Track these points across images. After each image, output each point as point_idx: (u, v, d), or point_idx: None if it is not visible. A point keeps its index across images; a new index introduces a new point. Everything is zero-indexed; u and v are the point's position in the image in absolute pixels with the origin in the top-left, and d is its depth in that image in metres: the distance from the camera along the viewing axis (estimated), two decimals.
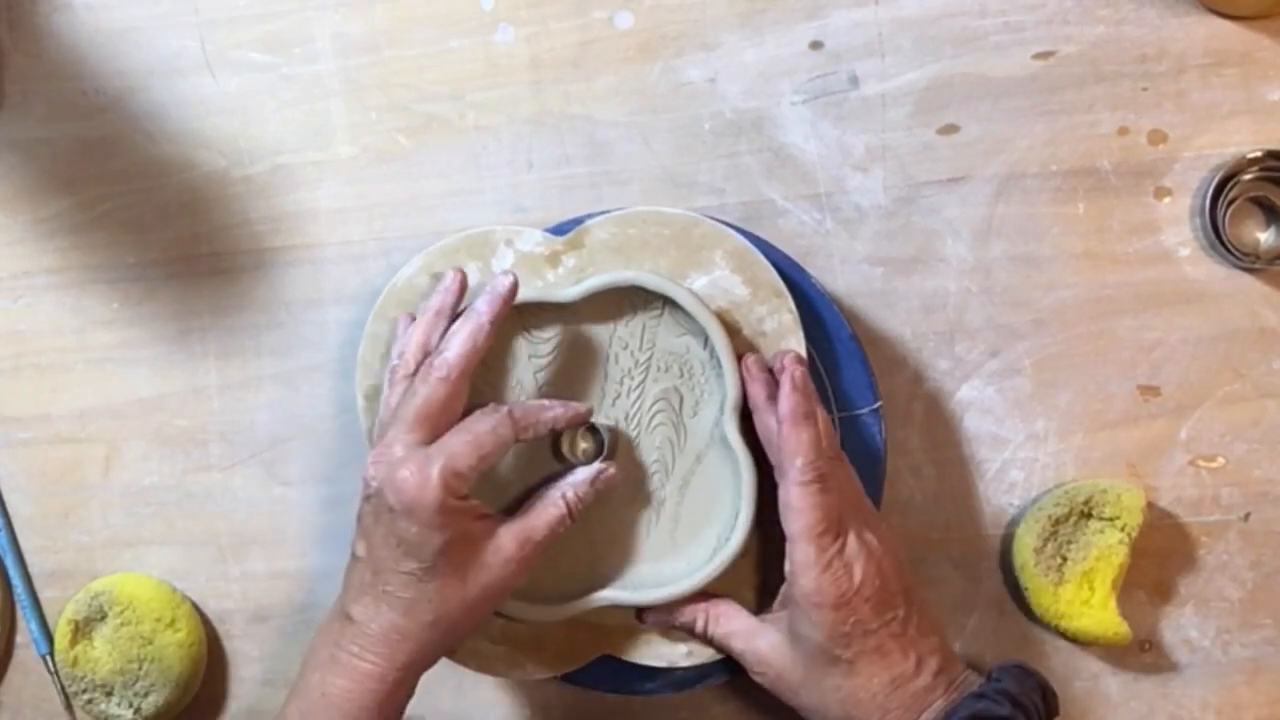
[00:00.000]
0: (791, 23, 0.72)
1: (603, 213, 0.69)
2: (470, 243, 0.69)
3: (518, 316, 0.69)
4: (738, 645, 0.66)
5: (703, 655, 0.68)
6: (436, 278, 0.69)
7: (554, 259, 0.68)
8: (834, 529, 0.62)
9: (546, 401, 0.66)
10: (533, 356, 0.70)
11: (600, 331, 0.69)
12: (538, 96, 0.73)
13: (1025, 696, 0.61)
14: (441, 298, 0.66)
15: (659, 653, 0.69)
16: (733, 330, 0.67)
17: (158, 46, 0.75)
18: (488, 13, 0.73)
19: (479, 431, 0.62)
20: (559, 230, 0.69)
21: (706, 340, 0.67)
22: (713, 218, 0.69)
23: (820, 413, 0.64)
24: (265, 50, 0.74)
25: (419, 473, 0.60)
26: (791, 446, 0.63)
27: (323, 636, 0.63)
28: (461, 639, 0.64)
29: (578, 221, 0.69)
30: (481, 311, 0.64)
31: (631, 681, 0.70)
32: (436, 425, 0.62)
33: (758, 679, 0.66)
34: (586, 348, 0.69)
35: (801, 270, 0.69)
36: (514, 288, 0.65)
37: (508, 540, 0.63)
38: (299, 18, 0.74)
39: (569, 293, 0.67)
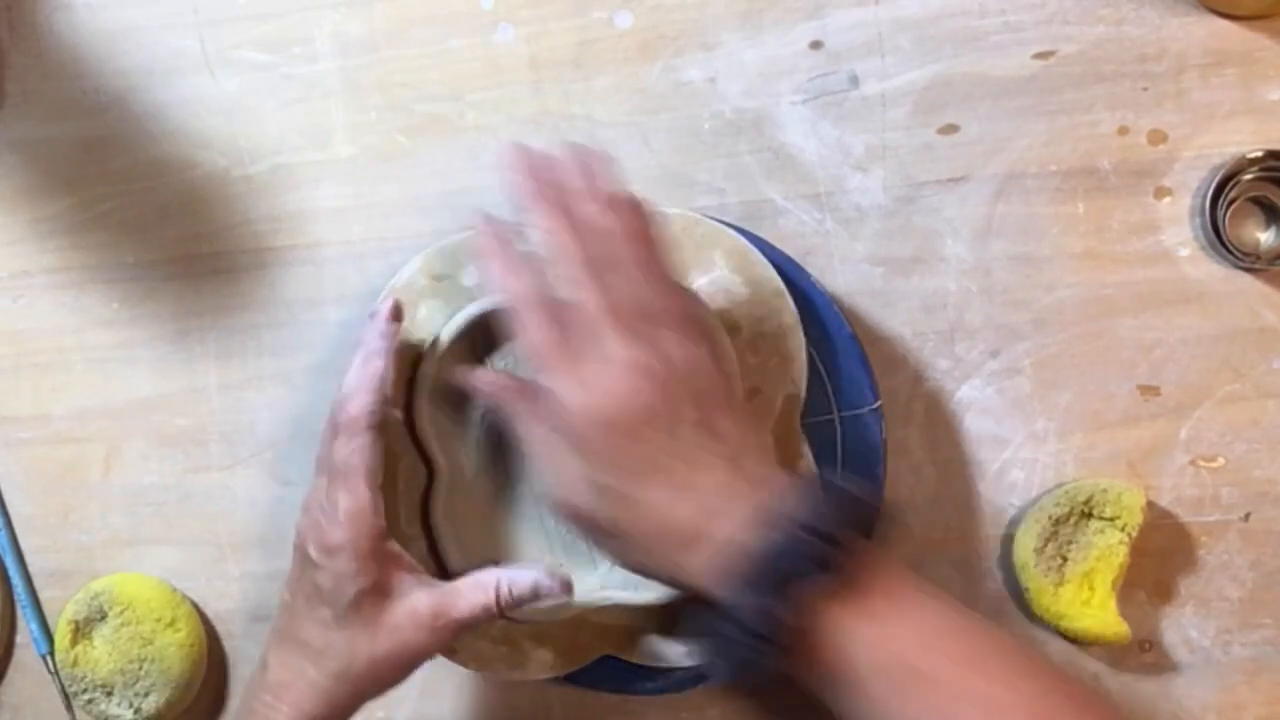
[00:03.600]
0: (791, 23, 0.72)
1: None
2: (470, 243, 0.69)
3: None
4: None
5: None
6: (436, 279, 0.69)
7: None
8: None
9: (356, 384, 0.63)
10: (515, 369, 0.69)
11: None
12: (538, 96, 0.73)
13: (838, 514, 0.53)
14: (371, 339, 0.64)
15: (659, 653, 0.69)
16: (733, 330, 0.67)
17: (158, 46, 0.75)
18: (488, 13, 0.73)
19: (341, 463, 0.61)
20: None
21: None
22: (712, 217, 0.69)
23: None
24: (265, 50, 0.74)
25: (331, 518, 0.60)
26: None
27: (247, 685, 0.64)
28: (370, 698, 0.62)
29: None
30: (372, 351, 0.63)
31: (631, 681, 0.70)
32: (351, 478, 0.61)
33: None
34: None
35: (801, 270, 0.69)
36: (394, 311, 0.64)
37: (423, 605, 0.60)
38: (299, 18, 0.74)
39: None
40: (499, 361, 0.70)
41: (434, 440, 0.67)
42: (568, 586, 0.62)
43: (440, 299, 0.69)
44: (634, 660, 0.69)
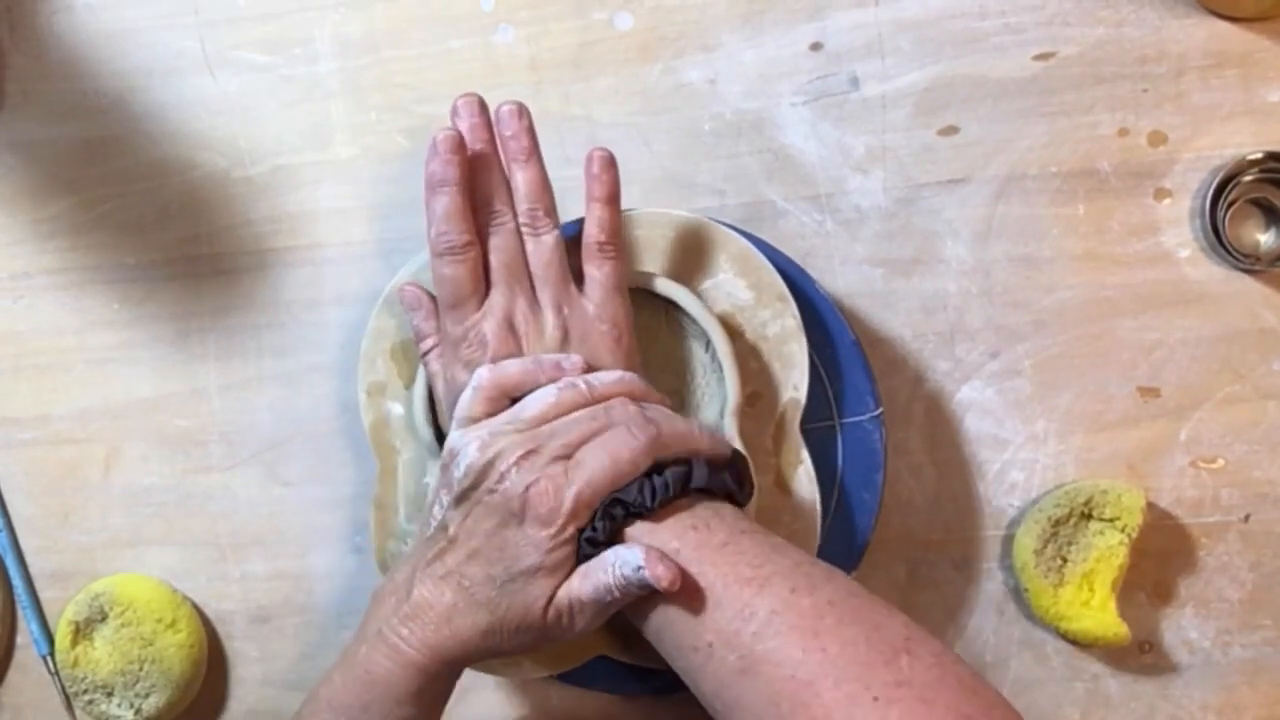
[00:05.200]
0: (791, 24, 0.72)
1: None
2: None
3: None
4: None
5: None
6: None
7: None
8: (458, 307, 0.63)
9: (694, 425, 0.61)
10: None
11: None
12: (538, 97, 0.73)
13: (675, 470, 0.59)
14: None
15: (656, 654, 0.69)
16: (735, 334, 0.67)
17: (158, 47, 0.75)
18: (488, 13, 0.73)
19: (620, 459, 0.59)
20: (567, 230, 0.69)
21: (708, 344, 0.67)
22: (713, 219, 0.69)
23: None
24: (265, 51, 0.74)
25: (555, 492, 0.58)
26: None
27: (378, 605, 0.62)
28: (497, 657, 0.62)
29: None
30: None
31: (628, 682, 0.70)
32: (607, 458, 0.59)
33: None
34: None
35: (805, 274, 0.69)
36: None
37: (564, 596, 0.59)
38: (299, 18, 0.74)
39: None
40: None
41: (435, 439, 0.67)
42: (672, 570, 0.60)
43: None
44: (628, 661, 0.69)
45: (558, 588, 0.59)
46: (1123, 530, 0.68)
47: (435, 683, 0.61)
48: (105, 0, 0.75)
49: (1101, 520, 0.69)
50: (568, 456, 0.59)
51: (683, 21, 0.72)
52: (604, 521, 0.58)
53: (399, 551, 0.69)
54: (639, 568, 0.57)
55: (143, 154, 0.75)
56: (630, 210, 0.69)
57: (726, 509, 0.60)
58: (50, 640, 0.75)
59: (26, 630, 0.76)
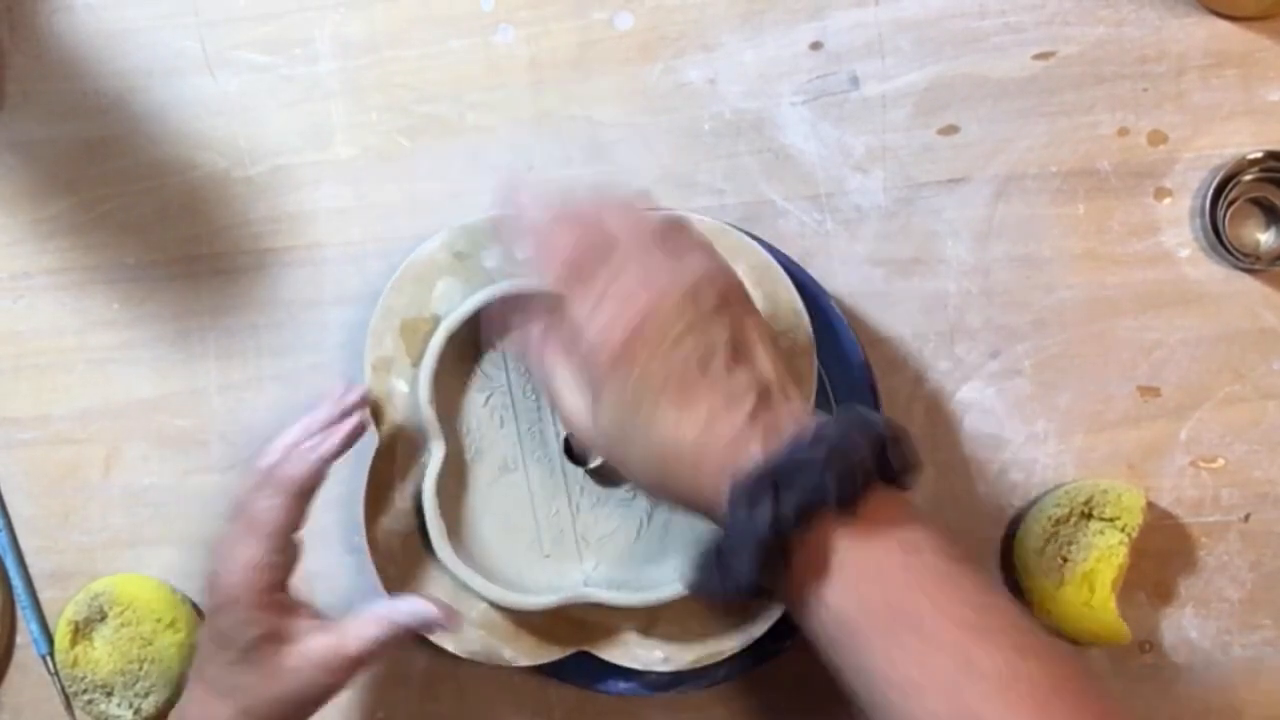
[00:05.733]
0: (791, 23, 0.72)
1: None
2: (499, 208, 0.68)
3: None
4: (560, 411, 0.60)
5: (680, 662, 0.68)
6: (458, 256, 0.68)
7: None
8: (577, 271, 0.55)
9: (308, 448, 0.64)
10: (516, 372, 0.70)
11: None
12: (538, 97, 0.73)
13: (850, 441, 0.52)
14: (327, 411, 0.65)
15: (635, 655, 0.69)
16: None
17: (158, 47, 0.75)
18: (488, 13, 0.73)
19: (254, 515, 0.62)
20: None
21: None
22: (713, 219, 0.69)
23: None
24: (265, 51, 0.74)
25: (229, 568, 0.62)
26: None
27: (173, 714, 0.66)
28: None
29: None
30: (336, 426, 0.64)
31: (603, 679, 0.71)
32: (257, 531, 0.62)
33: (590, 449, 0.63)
34: None
35: (821, 289, 0.69)
36: (361, 401, 0.66)
37: (318, 648, 0.62)
38: (299, 18, 0.74)
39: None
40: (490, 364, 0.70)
41: (436, 419, 0.67)
42: (453, 617, 0.64)
43: (459, 277, 0.68)
44: (608, 659, 0.69)
45: (307, 641, 0.62)
46: (1123, 530, 0.68)
47: None
48: (105, 0, 0.75)
49: (1102, 520, 0.69)
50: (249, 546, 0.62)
51: (683, 21, 0.73)
52: (776, 511, 0.50)
53: (393, 529, 0.69)
54: (414, 614, 0.63)
55: (143, 154, 0.75)
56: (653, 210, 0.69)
57: (918, 516, 0.52)
58: (50, 640, 0.75)
59: (26, 630, 0.76)
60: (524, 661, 0.69)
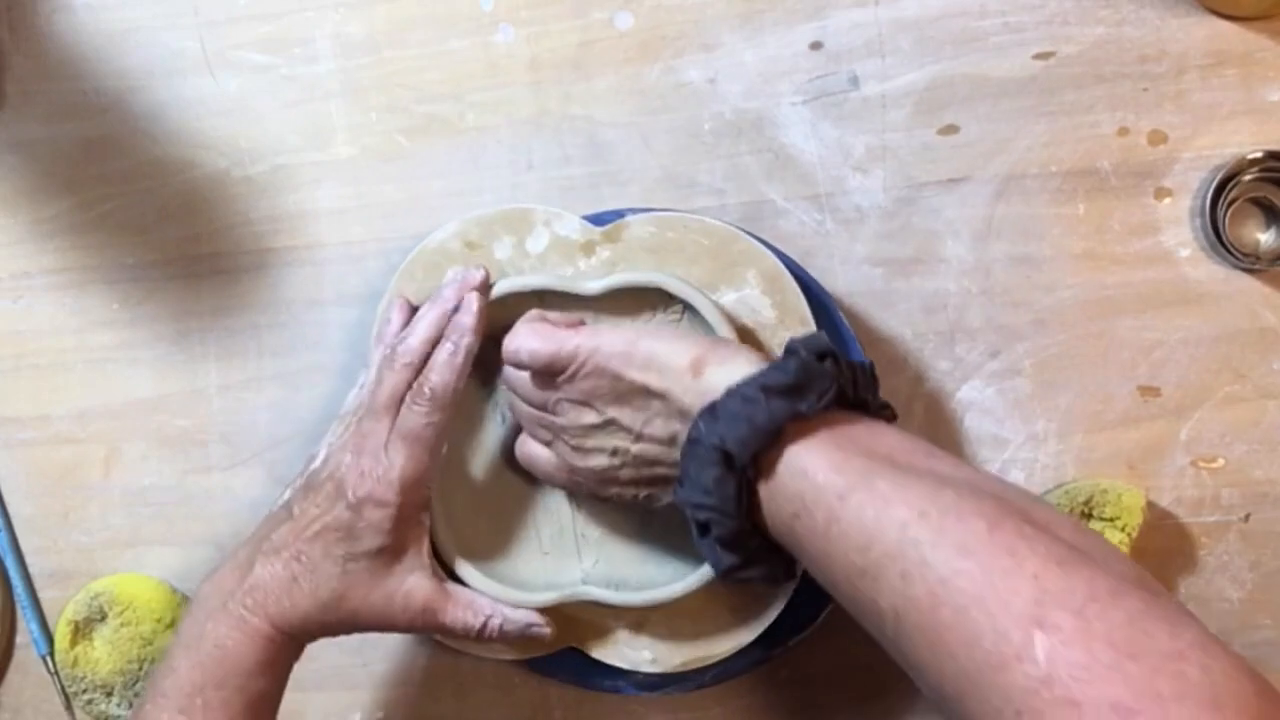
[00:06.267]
0: (791, 23, 0.72)
1: (645, 210, 0.69)
2: (508, 217, 0.69)
3: (539, 303, 0.68)
4: None
5: (667, 664, 0.68)
6: (470, 245, 0.69)
7: (589, 248, 0.68)
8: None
9: (450, 352, 0.65)
10: None
11: (624, 324, 0.69)
12: (538, 97, 0.73)
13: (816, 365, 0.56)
14: (456, 291, 0.67)
15: (624, 655, 0.69)
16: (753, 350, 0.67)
17: (158, 47, 0.75)
18: (488, 13, 0.73)
19: (413, 429, 0.63)
20: (599, 221, 0.69)
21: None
22: (713, 219, 0.69)
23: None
24: (265, 50, 0.74)
25: (386, 474, 0.62)
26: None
27: (217, 581, 0.64)
28: (331, 635, 0.65)
29: (618, 214, 0.69)
30: (463, 335, 0.65)
31: (591, 677, 0.71)
32: (418, 445, 0.63)
33: None
34: None
35: (829, 297, 0.69)
36: (484, 284, 0.67)
37: (419, 593, 0.64)
38: (299, 18, 0.74)
39: (592, 286, 0.67)
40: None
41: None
42: (553, 632, 0.67)
43: (470, 266, 0.68)
44: (597, 657, 0.69)
45: (417, 579, 0.64)
46: (1123, 530, 0.68)
47: (282, 654, 0.63)
48: (105, 0, 0.75)
49: (1102, 520, 0.69)
50: (392, 439, 0.63)
51: (683, 21, 0.72)
52: (729, 554, 0.57)
53: None
54: (530, 625, 0.66)
55: (142, 154, 0.75)
56: (667, 211, 0.69)
57: (808, 453, 0.54)
58: (50, 640, 0.75)
59: (26, 630, 0.76)
60: (515, 655, 0.69)
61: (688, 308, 0.67)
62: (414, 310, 0.68)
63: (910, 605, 0.47)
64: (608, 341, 0.61)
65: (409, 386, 0.64)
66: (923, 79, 0.72)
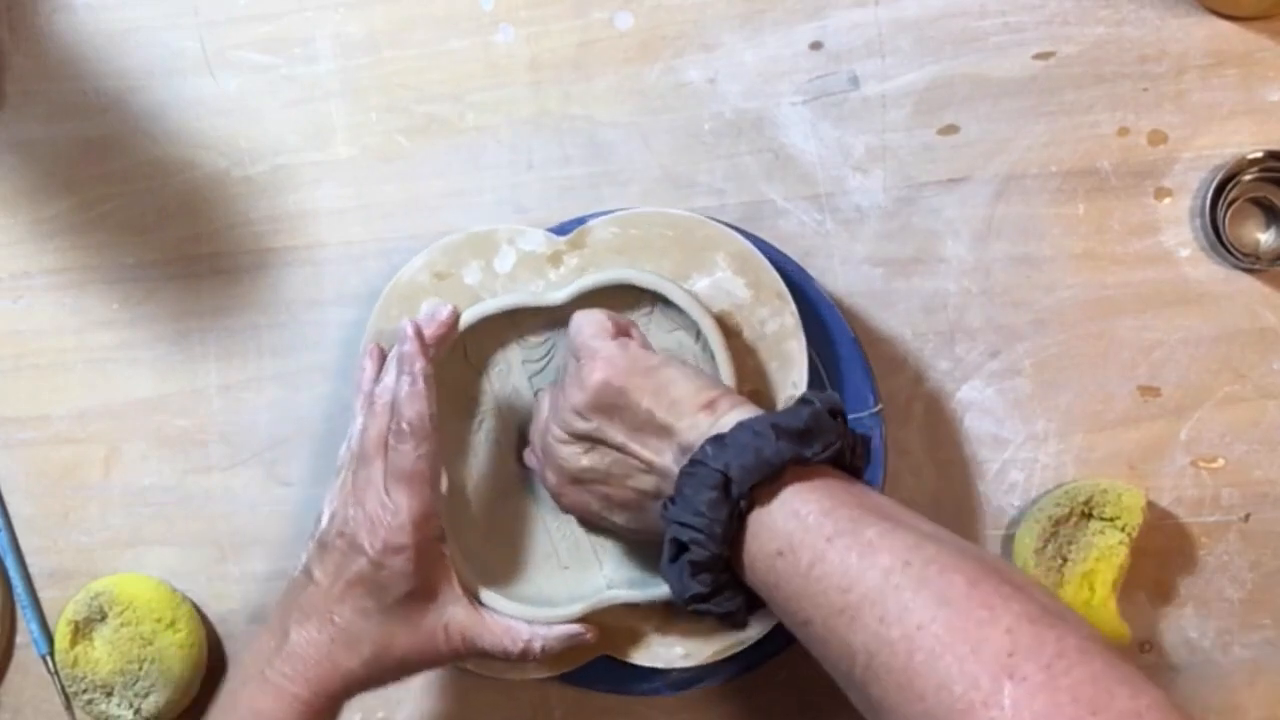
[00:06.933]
0: (791, 23, 0.72)
1: (606, 213, 0.69)
2: (473, 241, 0.69)
3: (510, 323, 0.69)
4: None
5: (699, 656, 0.68)
6: (439, 276, 0.69)
7: (556, 258, 0.68)
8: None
9: (416, 387, 0.65)
10: (526, 361, 0.70)
11: None
12: (538, 97, 0.73)
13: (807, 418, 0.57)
14: (412, 352, 0.66)
15: (656, 654, 0.69)
16: (734, 332, 0.67)
17: (158, 47, 0.75)
18: (488, 13, 0.73)
19: (407, 467, 0.63)
20: (562, 230, 0.69)
21: (699, 334, 0.67)
22: (712, 218, 0.69)
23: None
24: (265, 50, 0.74)
25: (395, 518, 0.62)
26: None
27: (255, 650, 0.64)
28: (377, 687, 0.65)
29: (581, 221, 0.69)
30: (413, 363, 0.64)
31: (628, 682, 0.70)
32: (417, 481, 0.63)
33: None
34: None
35: (804, 273, 0.69)
36: (452, 317, 0.67)
37: (457, 624, 0.64)
38: (299, 18, 0.74)
39: (558, 296, 0.67)
40: (501, 364, 0.70)
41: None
42: (596, 633, 0.67)
43: (442, 297, 0.69)
44: (631, 661, 0.69)
45: (453, 611, 0.64)
46: (1123, 530, 0.68)
47: (319, 717, 0.63)
48: (105, 0, 0.75)
49: (1102, 520, 0.69)
50: (388, 482, 0.63)
51: (683, 21, 0.72)
52: (698, 580, 0.57)
53: None
54: (572, 635, 0.66)
55: (142, 154, 0.75)
56: (627, 210, 0.69)
57: (804, 496, 0.55)
58: (50, 640, 0.75)
59: (26, 630, 0.76)
60: (546, 673, 0.69)
61: (658, 301, 0.67)
62: (385, 355, 0.68)
63: (885, 647, 0.49)
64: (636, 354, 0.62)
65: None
66: (923, 79, 0.72)
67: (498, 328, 0.69)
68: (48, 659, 0.75)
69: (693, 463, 0.56)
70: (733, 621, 0.59)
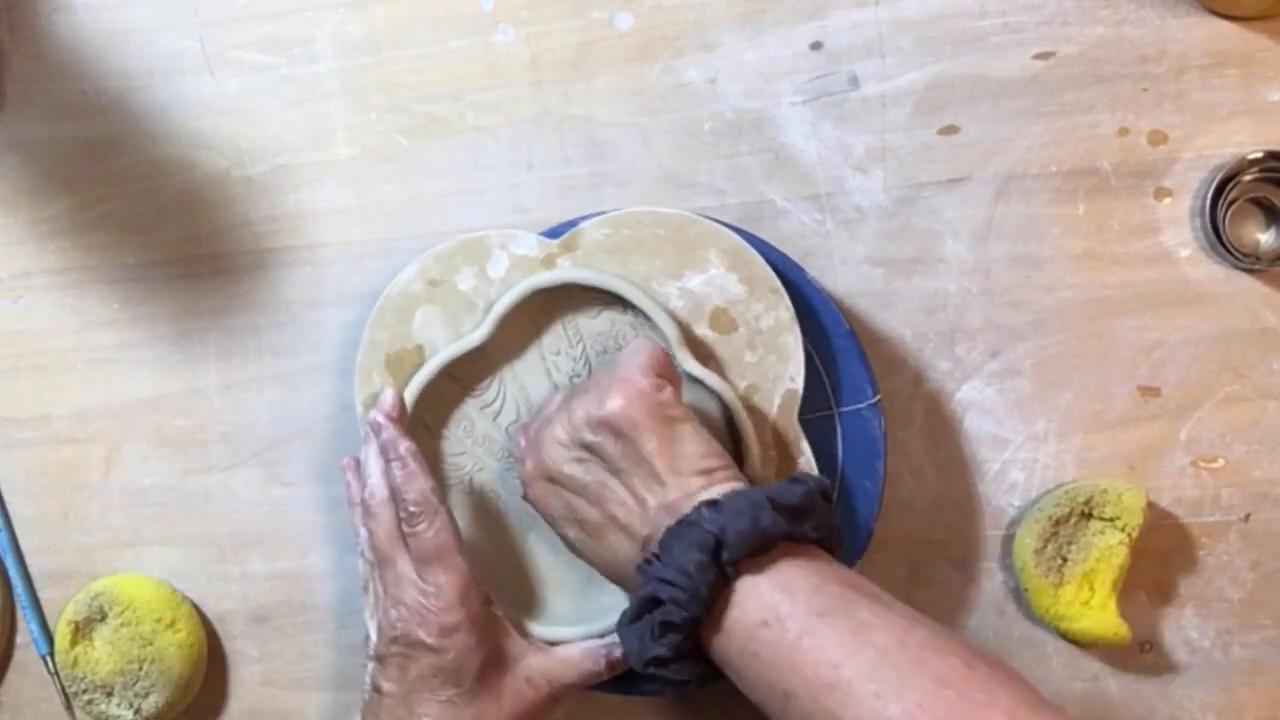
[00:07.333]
0: (791, 23, 0.72)
1: (598, 214, 0.69)
2: (465, 247, 0.69)
3: (451, 380, 0.69)
4: None
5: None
6: (432, 284, 0.69)
7: (549, 261, 0.69)
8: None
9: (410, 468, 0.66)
10: (484, 408, 0.70)
11: (530, 353, 0.70)
12: (538, 97, 0.73)
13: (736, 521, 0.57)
14: (386, 431, 0.67)
15: None
16: (729, 328, 0.67)
17: (158, 47, 0.75)
18: (488, 13, 0.73)
19: (428, 545, 0.64)
20: (555, 233, 0.69)
21: (625, 304, 0.67)
22: (712, 218, 0.69)
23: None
24: (265, 50, 0.74)
25: (440, 600, 0.62)
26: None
27: None
28: None
29: (574, 224, 0.69)
30: (395, 445, 0.65)
31: (636, 684, 0.70)
32: (445, 556, 0.63)
33: None
34: (528, 374, 0.70)
35: (798, 268, 0.69)
36: (396, 401, 0.67)
37: (538, 670, 0.65)
38: (299, 18, 0.74)
39: (477, 335, 0.68)
40: (463, 421, 0.70)
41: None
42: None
43: (437, 304, 0.69)
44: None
45: (527, 664, 0.64)
46: (1123, 530, 0.68)
47: None
48: (105, 0, 0.75)
49: (1102, 520, 0.69)
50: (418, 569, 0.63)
51: (683, 21, 0.72)
52: (663, 643, 0.57)
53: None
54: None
55: (142, 154, 0.75)
56: (618, 210, 0.69)
57: (795, 570, 0.56)
58: (50, 640, 0.75)
59: (26, 630, 0.76)
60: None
61: (570, 292, 0.68)
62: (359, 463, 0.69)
63: None
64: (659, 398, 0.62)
65: (398, 520, 0.65)
66: (923, 79, 0.72)
67: (442, 389, 0.69)
68: (48, 659, 0.75)
69: (683, 523, 0.57)
70: (679, 692, 0.60)
